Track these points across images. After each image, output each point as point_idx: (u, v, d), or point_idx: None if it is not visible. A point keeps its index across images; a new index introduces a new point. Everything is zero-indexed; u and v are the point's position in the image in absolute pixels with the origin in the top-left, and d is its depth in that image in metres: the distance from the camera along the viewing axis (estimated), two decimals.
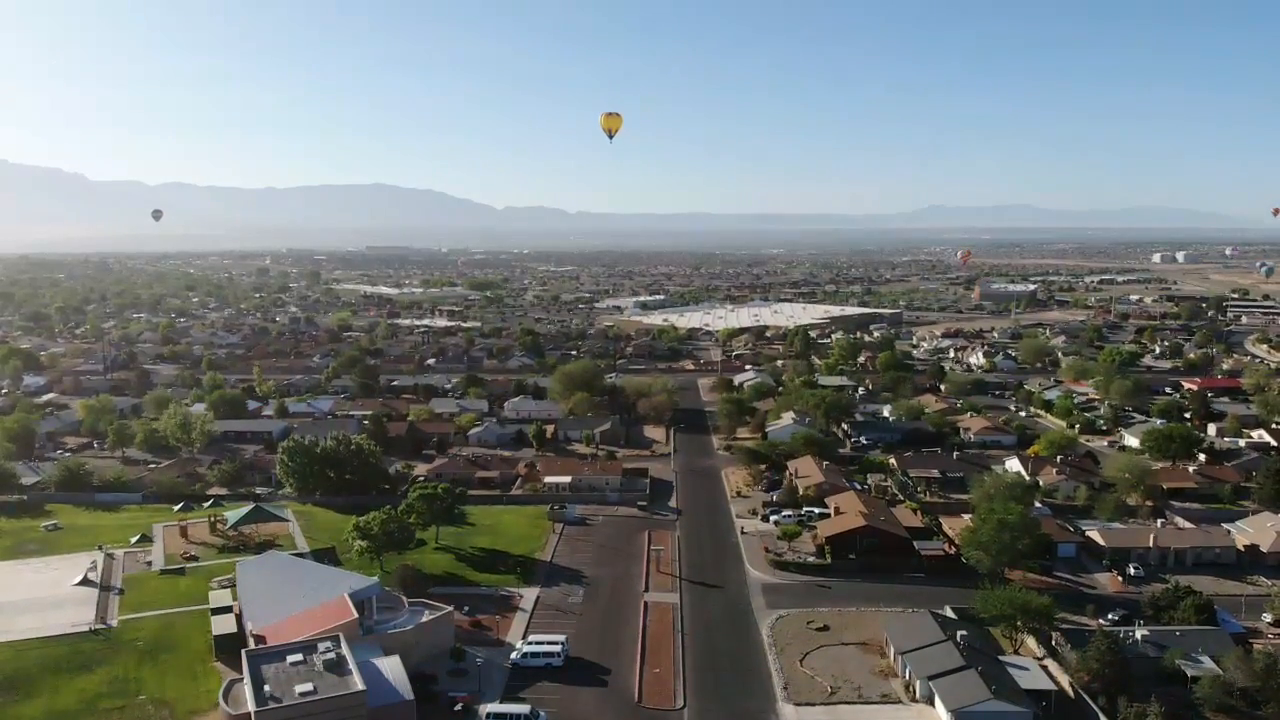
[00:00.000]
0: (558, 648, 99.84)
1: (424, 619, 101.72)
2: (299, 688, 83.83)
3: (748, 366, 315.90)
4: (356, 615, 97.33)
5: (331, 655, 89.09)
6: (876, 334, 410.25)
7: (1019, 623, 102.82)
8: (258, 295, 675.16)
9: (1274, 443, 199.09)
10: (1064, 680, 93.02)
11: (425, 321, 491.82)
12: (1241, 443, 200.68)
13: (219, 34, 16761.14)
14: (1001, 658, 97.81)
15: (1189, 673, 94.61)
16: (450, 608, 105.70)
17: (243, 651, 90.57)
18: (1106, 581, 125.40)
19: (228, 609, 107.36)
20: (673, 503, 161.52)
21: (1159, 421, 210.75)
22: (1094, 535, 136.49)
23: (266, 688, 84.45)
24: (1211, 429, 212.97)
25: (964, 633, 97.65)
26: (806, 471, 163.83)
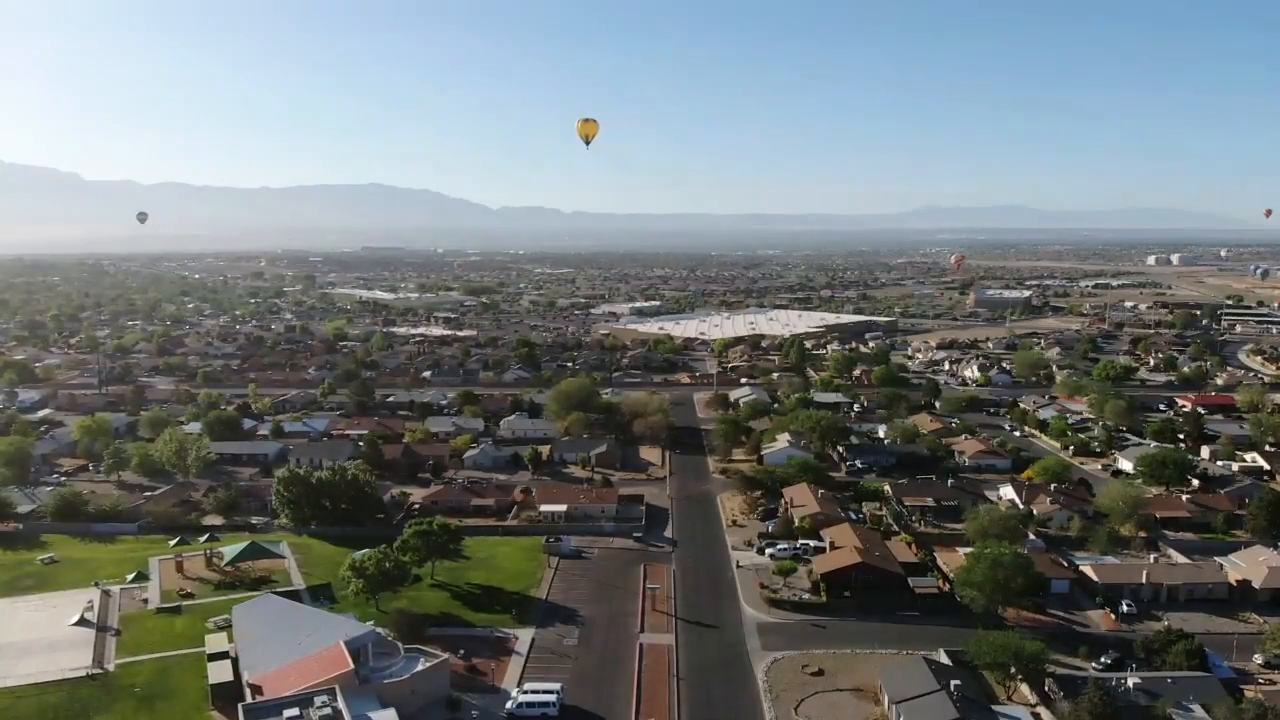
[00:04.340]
0: (553, 697, 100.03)
1: (419, 667, 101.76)
2: None
3: (743, 380, 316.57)
4: (352, 665, 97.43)
5: (327, 710, 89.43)
6: (872, 344, 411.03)
7: (1012, 669, 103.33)
8: (253, 301, 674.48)
9: (1267, 466, 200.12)
10: None
11: (421, 330, 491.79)
12: (1235, 467, 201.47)
13: (214, 34, 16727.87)
14: (995, 707, 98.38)
15: None
16: (446, 655, 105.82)
17: (240, 706, 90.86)
18: (1099, 619, 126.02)
19: (224, 655, 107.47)
20: (668, 533, 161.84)
21: (1153, 444, 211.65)
22: (1087, 570, 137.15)
23: None
24: (1205, 451, 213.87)
25: (957, 682, 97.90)
26: (802, 501, 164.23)
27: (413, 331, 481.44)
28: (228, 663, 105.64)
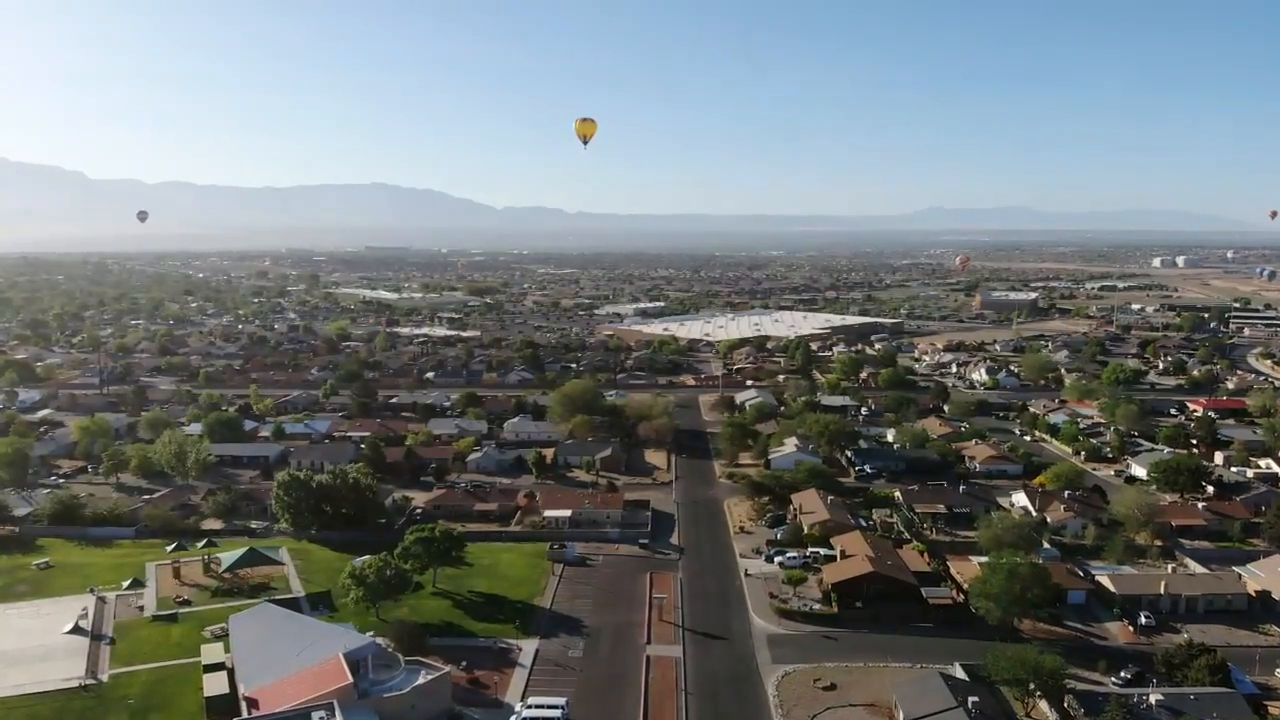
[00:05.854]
0: (558, 712, 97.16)
1: (420, 680, 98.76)
2: None
3: (749, 382, 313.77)
4: (351, 679, 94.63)
5: None
6: (878, 346, 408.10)
7: (1031, 685, 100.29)
8: (256, 300, 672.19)
9: None
10: None
11: (424, 330, 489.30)
12: (1249, 473, 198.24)
13: (218, 33, 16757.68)
14: None
15: None
16: (448, 668, 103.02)
17: None
18: (1117, 632, 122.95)
19: (220, 666, 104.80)
20: (674, 539, 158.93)
21: (1166, 450, 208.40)
22: (1104, 581, 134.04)
23: None
24: (1219, 457, 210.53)
25: (975, 698, 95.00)
26: (811, 507, 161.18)
27: (416, 332, 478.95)
28: (224, 674, 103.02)
